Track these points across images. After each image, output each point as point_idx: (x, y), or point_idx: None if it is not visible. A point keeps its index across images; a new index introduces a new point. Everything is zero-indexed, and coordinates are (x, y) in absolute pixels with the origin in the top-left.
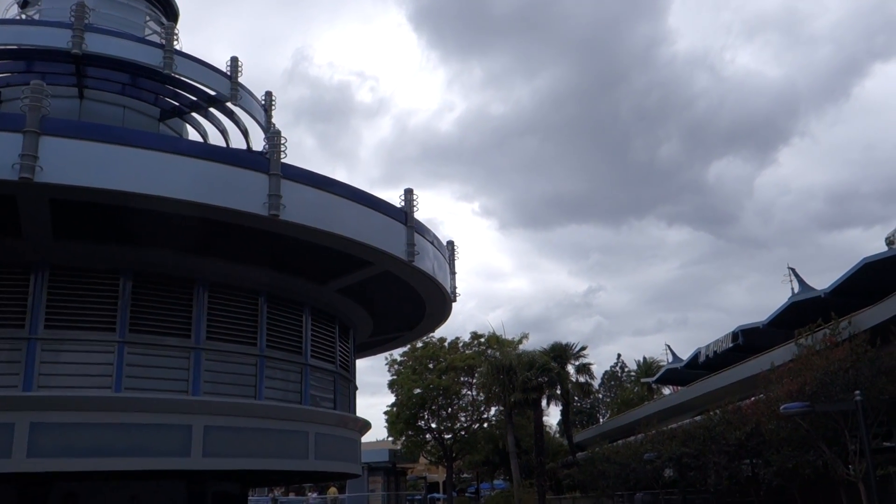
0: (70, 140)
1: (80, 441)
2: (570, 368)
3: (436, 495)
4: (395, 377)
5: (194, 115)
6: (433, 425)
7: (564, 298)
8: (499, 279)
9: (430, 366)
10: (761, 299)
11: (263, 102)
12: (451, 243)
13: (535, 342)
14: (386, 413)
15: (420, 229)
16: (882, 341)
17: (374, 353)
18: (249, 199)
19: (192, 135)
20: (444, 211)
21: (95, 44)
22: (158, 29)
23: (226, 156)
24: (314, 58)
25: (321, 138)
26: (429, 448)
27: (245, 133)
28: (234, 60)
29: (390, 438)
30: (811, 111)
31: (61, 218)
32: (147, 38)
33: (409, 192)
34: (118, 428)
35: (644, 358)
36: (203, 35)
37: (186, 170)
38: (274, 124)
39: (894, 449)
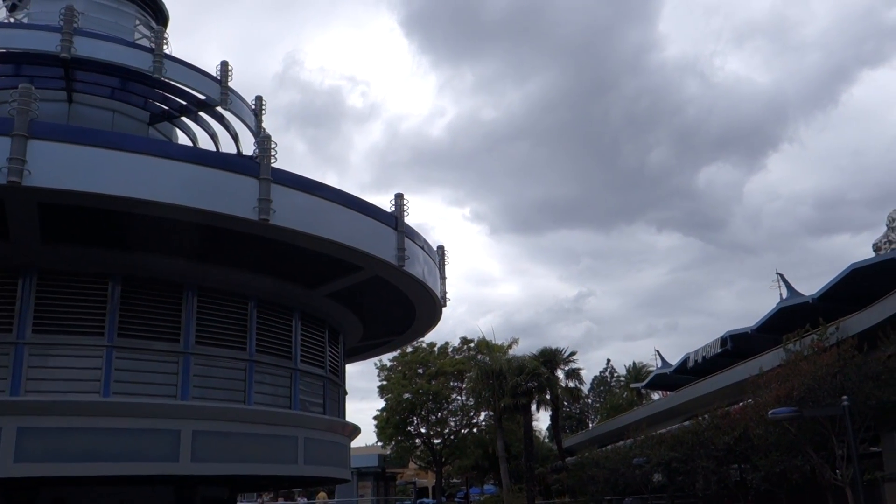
0: (58, 144)
1: (67, 446)
2: (560, 373)
3: (425, 500)
4: (384, 382)
5: (184, 119)
6: (423, 430)
7: (555, 304)
8: (489, 284)
9: (420, 371)
10: (750, 304)
11: (254, 107)
12: (441, 248)
13: (525, 347)
14: (375, 418)
15: (410, 234)
16: (869, 346)
17: (364, 358)
18: (239, 204)
19: (182, 139)
20: (434, 216)
21: (84, 48)
22: (148, 33)
23: (215, 160)
24: (305, 62)
25: (312, 143)
26: (418, 453)
27: (235, 137)
28: (224, 65)
29: (380, 443)
30: (800, 117)
31: (49, 222)
32: (137, 42)
33: (399, 197)
34: (106, 433)
35: (633, 363)
36: (193, 39)
37: (176, 174)
38: (264, 129)
39: (881, 454)
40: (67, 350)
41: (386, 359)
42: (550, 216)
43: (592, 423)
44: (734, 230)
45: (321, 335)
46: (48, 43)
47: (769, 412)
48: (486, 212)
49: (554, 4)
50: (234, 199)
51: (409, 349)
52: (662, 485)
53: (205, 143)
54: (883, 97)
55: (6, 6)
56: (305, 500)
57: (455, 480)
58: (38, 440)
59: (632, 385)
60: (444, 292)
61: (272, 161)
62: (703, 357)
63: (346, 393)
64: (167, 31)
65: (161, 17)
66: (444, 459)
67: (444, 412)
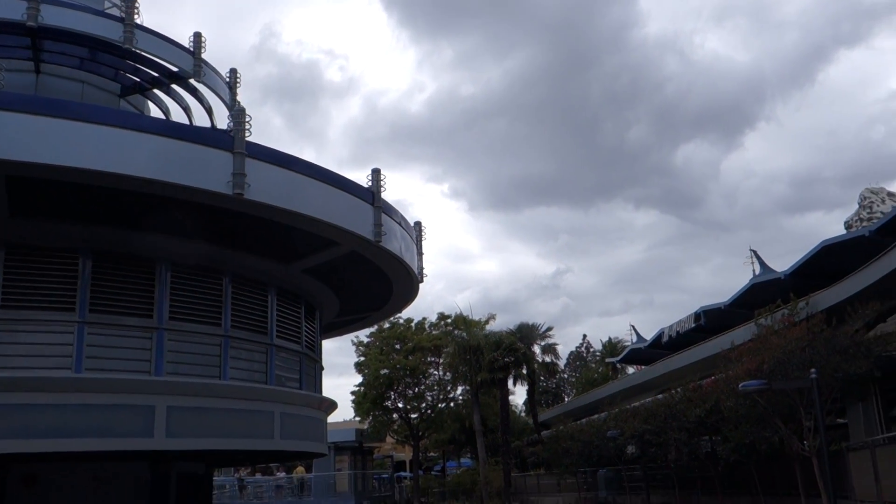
0: (26, 115)
1: (39, 422)
2: (537, 349)
3: (402, 474)
4: (361, 358)
5: (156, 91)
6: (400, 405)
7: (532, 280)
8: (467, 261)
9: (397, 346)
10: (725, 281)
11: (228, 80)
12: (418, 224)
13: (502, 323)
14: (353, 393)
15: (387, 209)
16: (838, 321)
17: (341, 334)
18: (213, 178)
19: (154, 112)
20: (413, 192)
21: (52, 16)
22: (118, 2)
23: (188, 133)
24: (282, 35)
25: (289, 118)
26: (395, 427)
27: (209, 111)
28: (198, 36)
29: (357, 418)
30: (777, 96)
31: (17, 196)
32: (107, 11)
33: (376, 172)
34: (79, 409)
35: (609, 338)
36: (167, 9)
37: (147, 147)
38: (239, 102)
39: (847, 426)
40: (38, 326)
41: (363, 335)
42: (529, 193)
43: (568, 397)
44: (710, 208)
45: (297, 311)
46: (14, 10)
47: (740, 385)
48: (465, 188)
49: None
50: (207, 173)
51: (387, 325)
52: (636, 456)
53: (178, 116)
54: (859, 77)
55: None
56: (284, 474)
57: (432, 454)
58: (9, 417)
59: (607, 360)
60: (422, 268)
61: (247, 135)
62: (677, 332)
63: (322, 368)
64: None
65: None
66: (421, 433)
67: (422, 387)
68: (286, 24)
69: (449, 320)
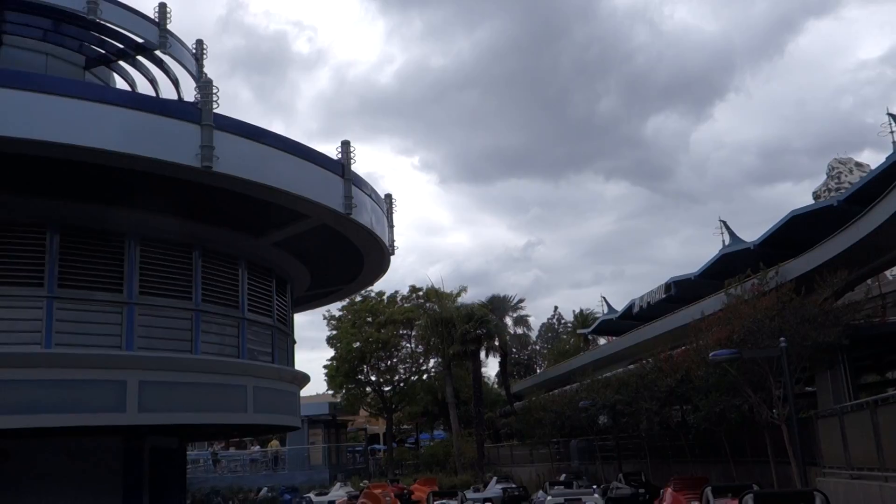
0: None
1: (9, 398)
2: (508, 320)
3: (376, 447)
4: (334, 332)
5: (122, 63)
6: (373, 378)
7: (504, 252)
8: (439, 234)
9: (369, 320)
10: (695, 252)
11: (195, 51)
12: (388, 196)
13: (474, 295)
14: (325, 367)
15: (357, 182)
16: (807, 290)
17: (313, 307)
18: (181, 151)
19: (120, 84)
20: (383, 165)
21: None
22: None
23: (155, 105)
24: (249, 5)
25: (258, 90)
26: (369, 400)
27: (175, 83)
28: (163, 6)
29: (330, 392)
30: (746, 67)
31: None
32: None
33: (345, 144)
34: (49, 384)
35: (580, 310)
36: None
37: (113, 119)
38: (206, 74)
39: (815, 394)
40: (6, 301)
41: (334, 309)
42: (500, 165)
43: (540, 368)
44: (680, 179)
45: (268, 284)
46: None
47: (710, 354)
48: (436, 161)
49: None
50: (175, 145)
51: (358, 298)
52: (608, 426)
53: (144, 88)
54: (827, 47)
55: None
56: (257, 448)
57: (405, 426)
58: None
59: (578, 331)
60: (392, 241)
61: (214, 107)
62: (648, 303)
63: (294, 342)
64: None
65: None
66: (394, 406)
67: (394, 360)
68: None
69: (421, 293)
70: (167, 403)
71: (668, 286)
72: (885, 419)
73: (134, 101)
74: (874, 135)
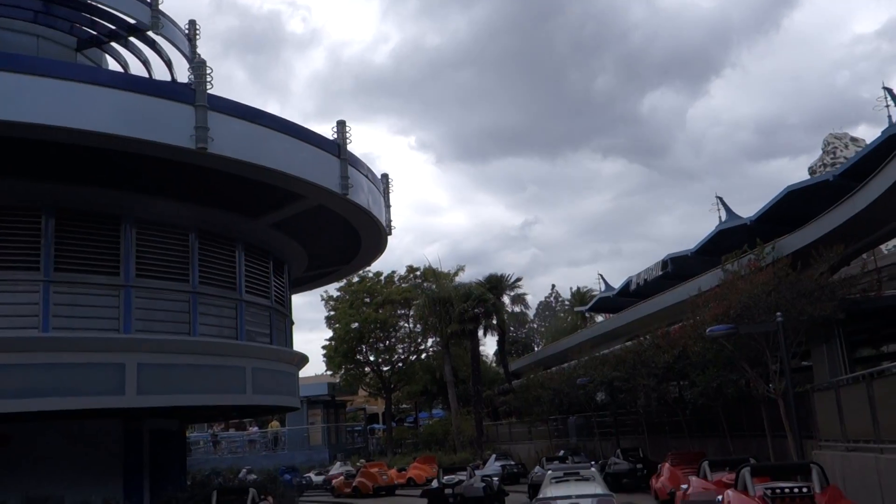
0: None
1: (8, 382)
2: (506, 299)
3: (375, 426)
4: (332, 312)
5: (113, 45)
6: (371, 358)
7: (501, 231)
8: (436, 213)
9: (367, 300)
10: (691, 229)
11: (187, 32)
12: (385, 176)
13: (471, 275)
14: (324, 347)
15: (354, 162)
16: (803, 265)
17: (310, 288)
18: (175, 132)
19: (112, 66)
20: (380, 145)
21: None
22: None
23: (148, 87)
24: None
25: (252, 71)
26: (367, 380)
27: (168, 64)
28: None
29: (329, 372)
30: (742, 43)
31: None
32: None
33: (341, 125)
34: (48, 368)
35: (577, 288)
36: None
37: (107, 101)
38: (199, 54)
39: (811, 368)
40: (2, 286)
41: (332, 289)
42: (496, 144)
43: (538, 347)
44: (677, 156)
45: (266, 266)
46: None
47: (707, 330)
48: (432, 140)
49: None
50: (169, 127)
51: (356, 279)
52: (605, 403)
53: (137, 70)
54: (823, 22)
55: None
56: (257, 429)
57: (404, 406)
58: None
59: (576, 309)
60: (389, 220)
61: (208, 87)
62: (645, 280)
63: (292, 323)
64: None
65: None
66: (392, 386)
67: (392, 340)
68: None
69: (418, 273)
70: (166, 386)
71: (664, 263)
72: (880, 392)
73: (127, 82)
74: (870, 109)
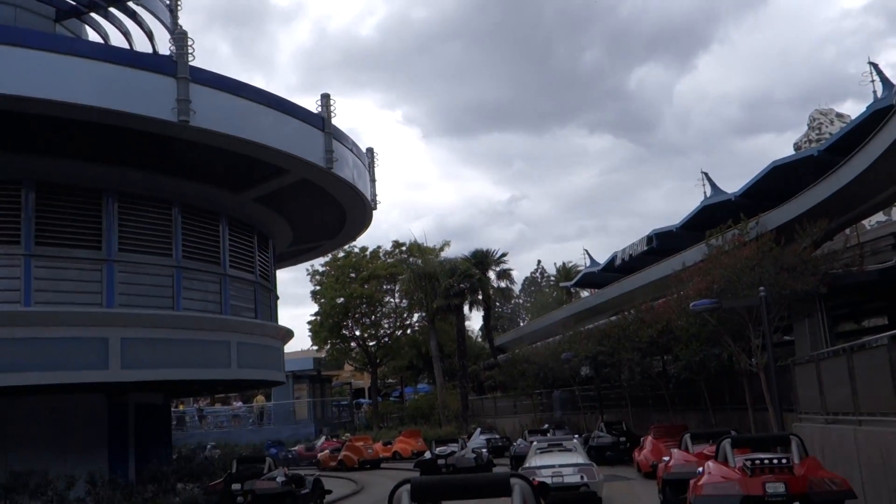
0: None
1: None
2: (492, 274)
3: (361, 401)
4: (317, 287)
5: (93, 15)
6: (357, 333)
7: (488, 207)
8: (422, 188)
9: (353, 275)
10: (677, 205)
11: (169, 3)
12: (370, 151)
13: (457, 250)
14: (310, 323)
15: (338, 136)
16: (787, 240)
17: (296, 263)
18: (157, 105)
19: (93, 37)
20: (366, 120)
21: None
22: None
23: (129, 58)
24: None
25: (236, 44)
26: (353, 355)
27: (150, 35)
28: None
29: (315, 347)
30: (730, 17)
31: None
32: None
33: (325, 98)
34: (29, 343)
35: (563, 263)
36: None
37: (87, 73)
38: (181, 26)
39: (793, 343)
40: None
41: (318, 264)
42: (483, 119)
43: (523, 322)
44: (664, 131)
45: (250, 240)
46: None
47: (691, 304)
48: (419, 115)
49: None
50: (150, 99)
51: (341, 254)
52: (590, 377)
53: (117, 41)
54: None
55: None
56: (241, 404)
57: (390, 381)
58: None
59: (561, 284)
60: (375, 195)
61: (190, 59)
62: (630, 255)
63: (277, 298)
64: None
65: None
66: (378, 361)
67: (378, 315)
68: None
69: (404, 248)
70: (150, 360)
71: (649, 238)
72: (860, 365)
73: (107, 54)
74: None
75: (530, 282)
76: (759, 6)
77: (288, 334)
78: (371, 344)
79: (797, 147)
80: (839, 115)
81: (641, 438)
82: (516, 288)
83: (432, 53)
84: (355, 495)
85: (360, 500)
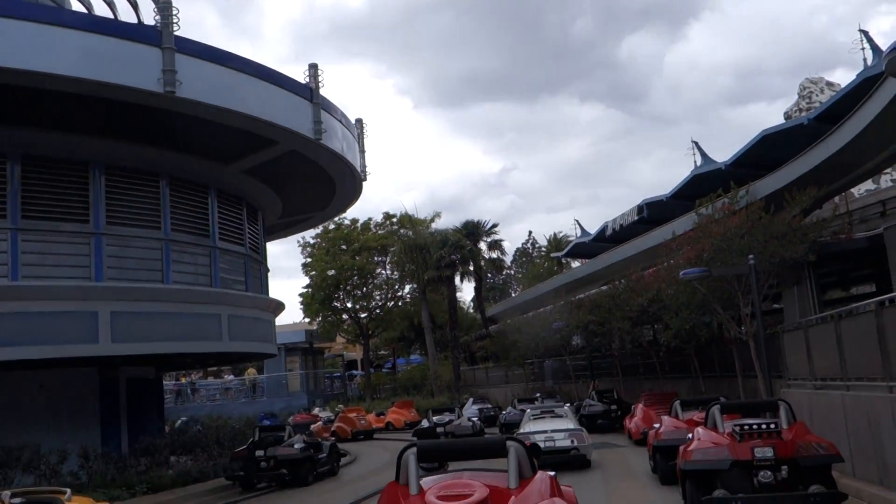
0: None
1: None
2: (483, 245)
3: (354, 372)
4: (308, 260)
5: None
6: (348, 305)
7: (479, 178)
8: (413, 160)
9: (344, 247)
10: (668, 175)
11: None
12: (359, 121)
13: (449, 222)
14: (301, 295)
15: (327, 107)
16: (776, 208)
17: (286, 235)
18: (142, 75)
19: (76, 7)
20: (356, 91)
21: None
22: None
23: (114, 28)
24: None
25: (223, 14)
26: (345, 327)
27: (135, 6)
28: None
29: (306, 320)
30: None
31: None
32: None
33: (313, 68)
34: (18, 317)
35: (554, 234)
36: None
37: (71, 43)
38: None
39: (782, 311)
40: None
41: (308, 236)
42: (474, 90)
43: (515, 293)
44: (655, 101)
45: (239, 212)
46: None
47: (681, 273)
48: (410, 86)
49: None
50: (136, 70)
51: (332, 226)
52: (581, 347)
53: (101, 12)
54: None
55: None
56: (233, 377)
57: (382, 352)
58: None
59: (552, 255)
60: (364, 166)
61: (175, 29)
62: (621, 225)
63: (268, 270)
64: None
65: None
66: (370, 332)
67: (370, 287)
68: None
69: (394, 220)
70: (140, 333)
71: (640, 208)
72: (847, 331)
73: (91, 23)
74: (846, 53)
75: (522, 253)
76: None
77: (279, 307)
78: (363, 316)
79: (787, 116)
80: (829, 84)
81: (632, 406)
82: (508, 259)
83: (423, 23)
84: (349, 466)
85: (353, 469)
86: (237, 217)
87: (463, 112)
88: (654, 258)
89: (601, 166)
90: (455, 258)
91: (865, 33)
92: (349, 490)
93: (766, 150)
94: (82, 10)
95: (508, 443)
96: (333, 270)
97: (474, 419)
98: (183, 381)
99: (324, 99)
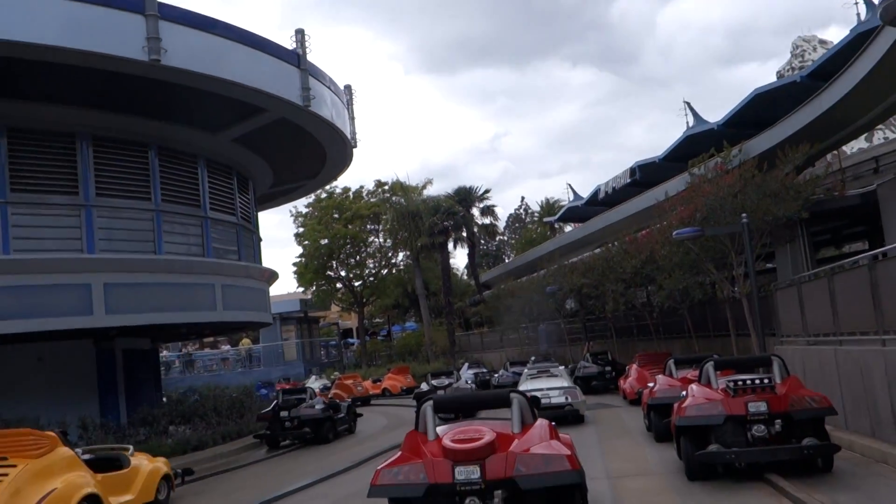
0: None
1: None
2: (476, 211)
3: (349, 340)
4: (301, 229)
5: None
6: (342, 273)
7: (471, 145)
8: (405, 127)
9: (336, 216)
10: (660, 137)
11: None
12: (348, 87)
13: (442, 188)
14: (295, 265)
15: (315, 73)
16: (769, 166)
17: (278, 205)
18: (126, 44)
19: None
20: (346, 57)
21: None
22: None
23: None
24: None
25: None
26: (339, 296)
27: None
28: None
29: (301, 289)
30: None
31: None
32: None
33: (300, 34)
34: (10, 291)
35: (546, 199)
36: None
37: (51, 12)
38: None
39: (775, 270)
40: None
41: (301, 205)
42: (465, 55)
43: (508, 259)
44: (646, 63)
45: (230, 182)
46: None
47: (673, 233)
48: (400, 52)
49: None
50: (120, 38)
51: (324, 195)
52: (575, 311)
53: None
54: None
55: None
56: (229, 347)
57: (377, 319)
58: None
59: (545, 219)
60: (354, 133)
61: None
62: (614, 188)
63: (260, 239)
64: None
65: None
66: (365, 300)
67: (363, 255)
68: None
69: (386, 187)
70: (134, 304)
71: (632, 170)
72: (840, 286)
73: None
74: (839, 9)
75: (514, 218)
76: None
77: (273, 276)
78: (357, 284)
79: (780, 75)
80: (822, 42)
81: (627, 367)
82: (501, 225)
83: None
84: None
85: (365, 428)
86: (228, 186)
87: (454, 78)
88: (647, 220)
89: (593, 130)
90: (448, 224)
91: None
92: (368, 446)
93: (760, 109)
94: None
95: (512, 394)
96: (326, 240)
97: (470, 382)
98: (183, 351)
99: (311, 65)
